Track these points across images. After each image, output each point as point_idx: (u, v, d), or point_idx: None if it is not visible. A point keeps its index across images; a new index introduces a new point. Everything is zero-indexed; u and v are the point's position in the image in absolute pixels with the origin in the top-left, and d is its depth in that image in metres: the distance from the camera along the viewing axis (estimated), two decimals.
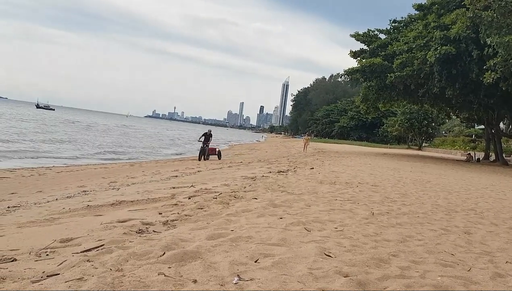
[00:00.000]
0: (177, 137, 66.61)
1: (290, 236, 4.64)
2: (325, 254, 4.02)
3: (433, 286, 3.39)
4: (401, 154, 43.69)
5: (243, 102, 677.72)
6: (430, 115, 62.31)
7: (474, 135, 60.40)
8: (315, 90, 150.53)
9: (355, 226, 5.56)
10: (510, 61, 22.96)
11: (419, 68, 29.59)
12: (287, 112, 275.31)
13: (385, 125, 77.68)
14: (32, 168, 15.95)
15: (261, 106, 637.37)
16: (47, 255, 4.00)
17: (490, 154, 39.39)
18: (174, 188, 9.24)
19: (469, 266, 4.15)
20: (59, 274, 3.20)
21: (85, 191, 9.30)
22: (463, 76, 28.31)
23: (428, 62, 28.51)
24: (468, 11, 25.48)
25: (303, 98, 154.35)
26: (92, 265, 3.34)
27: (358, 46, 39.53)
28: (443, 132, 75.61)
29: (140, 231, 4.88)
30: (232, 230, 4.83)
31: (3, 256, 3.94)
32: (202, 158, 22.84)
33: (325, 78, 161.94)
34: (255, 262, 3.64)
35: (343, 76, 60.26)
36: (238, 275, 3.24)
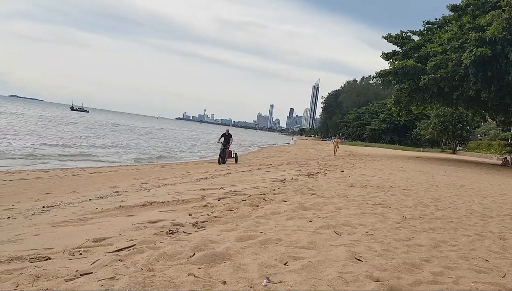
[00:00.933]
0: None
1: (320, 239, 4.59)
2: (355, 258, 3.95)
3: None
4: (435, 157, 42.74)
5: (272, 105, 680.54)
6: (465, 118, 60.57)
7: (511, 139, 58.37)
8: (346, 92, 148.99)
9: (386, 230, 5.46)
10: None
11: (454, 70, 28.90)
12: (317, 115, 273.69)
13: (418, 128, 76.00)
14: (67, 169, 16.41)
15: (291, 108, 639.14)
16: (81, 254, 4.10)
17: None
18: (204, 189, 9.32)
19: (504, 273, 4.02)
20: (92, 273, 3.27)
21: (117, 192, 9.50)
22: (499, 79, 27.62)
23: (463, 64, 27.85)
24: (504, 12, 24.86)
25: (333, 100, 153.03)
26: (124, 265, 3.39)
27: (391, 48, 38.91)
28: (478, 135, 73.40)
29: (170, 232, 4.93)
30: (261, 232, 4.82)
31: (38, 254, 4.05)
32: (221, 161, 21.55)
33: (356, 81, 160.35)
34: (284, 264, 3.62)
35: (374, 79, 59.29)
36: (267, 278, 3.23)
